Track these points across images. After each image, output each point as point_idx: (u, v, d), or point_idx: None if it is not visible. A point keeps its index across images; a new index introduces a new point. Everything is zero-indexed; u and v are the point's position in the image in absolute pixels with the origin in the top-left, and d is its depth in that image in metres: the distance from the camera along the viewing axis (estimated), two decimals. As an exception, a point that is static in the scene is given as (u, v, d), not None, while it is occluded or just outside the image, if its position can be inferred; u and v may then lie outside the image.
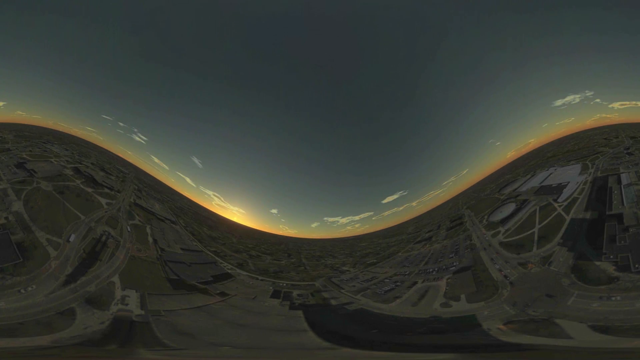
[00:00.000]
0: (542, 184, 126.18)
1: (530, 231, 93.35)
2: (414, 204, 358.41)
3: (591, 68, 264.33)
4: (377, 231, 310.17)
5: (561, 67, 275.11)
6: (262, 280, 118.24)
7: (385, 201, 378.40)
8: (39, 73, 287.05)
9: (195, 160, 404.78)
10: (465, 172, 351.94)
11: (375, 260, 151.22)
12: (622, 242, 69.10)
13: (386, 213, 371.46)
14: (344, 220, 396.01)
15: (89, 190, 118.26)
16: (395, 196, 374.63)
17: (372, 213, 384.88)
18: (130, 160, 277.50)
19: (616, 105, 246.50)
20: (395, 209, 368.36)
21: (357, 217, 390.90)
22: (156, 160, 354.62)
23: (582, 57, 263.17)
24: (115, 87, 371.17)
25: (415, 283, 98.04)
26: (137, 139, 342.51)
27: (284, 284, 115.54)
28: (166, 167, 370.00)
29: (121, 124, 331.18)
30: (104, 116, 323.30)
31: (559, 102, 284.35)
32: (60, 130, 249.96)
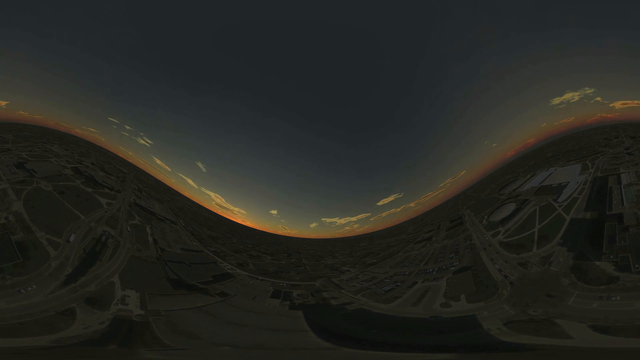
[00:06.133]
0: (542, 184, 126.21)
1: (530, 231, 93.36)
2: (412, 204, 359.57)
3: (591, 66, 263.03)
4: (377, 231, 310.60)
5: (559, 65, 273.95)
6: (262, 280, 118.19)
7: (380, 203, 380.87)
8: (42, 75, 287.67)
9: (200, 165, 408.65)
10: (462, 173, 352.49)
11: (375, 260, 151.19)
12: (622, 242, 69.07)
13: (384, 214, 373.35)
14: (342, 220, 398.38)
15: (89, 190, 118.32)
16: (390, 198, 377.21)
17: (369, 214, 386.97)
18: (131, 161, 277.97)
19: (617, 104, 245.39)
20: (393, 210, 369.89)
21: (354, 218, 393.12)
22: (158, 161, 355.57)
23: (581, 54, 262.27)
24: (124, 91, 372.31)
25: (415, 283, 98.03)
26: (142, 142, 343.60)
27: (284, 284, 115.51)
28: (168, 169, 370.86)
29: (127, 127, 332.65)
30: (110, 118, 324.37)
31: (556, 101, 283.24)
32: (62, 130, 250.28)
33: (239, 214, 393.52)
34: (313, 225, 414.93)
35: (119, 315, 65.67)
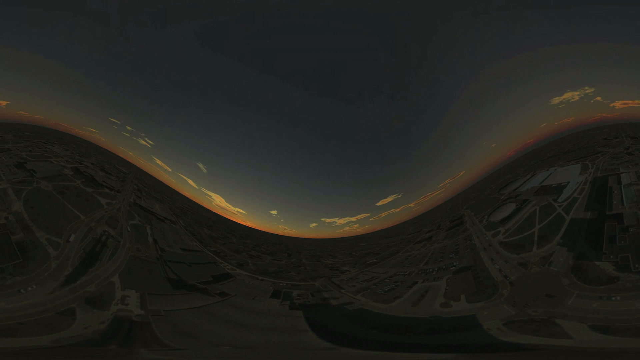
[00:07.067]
0: (542, 184, 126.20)
1: (530, 231, 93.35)
2: (412, 205, 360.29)
3: (591, 65, 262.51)
4: (377, 231, 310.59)
5: (558, 65, 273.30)
6: (262, 280, 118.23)
7: (379, 204, 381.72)
8: (42, 75, 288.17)
9: (201, 165, 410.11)
10: (462, 173, 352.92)
11: (375, 260, 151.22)
12: (622, 242, 69.09)
13: (383, 214, 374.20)
14: (342, 221, 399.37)
15: (89, 190, 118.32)
16: (389, 199, 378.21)
17: (369, 214, 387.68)
18: (132, 161, 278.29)
19: (617, 104, 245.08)
20: (393, 210, 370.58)
21: (354, 219, 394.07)
22: (159, 162, 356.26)
23: (581, 54, 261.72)
24: (126, 92, 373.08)
25: (415, 283, 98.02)
26: (143, 142, 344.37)
27: (284, 284, 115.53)
28: (169, 169, 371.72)
29: (129, 127, 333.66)
30: (111, 119, 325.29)
31: (556, 100, 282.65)
32: (62, 130, 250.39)
33: (239, 214, 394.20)
34: (313, 225, 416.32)
35: (119, 315, 65.66)
